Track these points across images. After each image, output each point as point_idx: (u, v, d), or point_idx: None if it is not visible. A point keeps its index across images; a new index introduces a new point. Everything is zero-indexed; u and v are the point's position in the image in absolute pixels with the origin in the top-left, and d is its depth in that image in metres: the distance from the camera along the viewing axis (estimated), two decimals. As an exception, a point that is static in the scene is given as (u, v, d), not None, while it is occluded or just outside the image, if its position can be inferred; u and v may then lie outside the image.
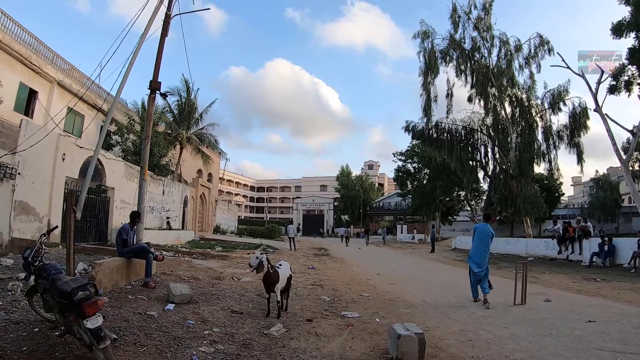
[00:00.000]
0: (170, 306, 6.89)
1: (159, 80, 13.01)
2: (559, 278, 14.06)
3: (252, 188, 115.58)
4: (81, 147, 15.73)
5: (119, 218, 17.66)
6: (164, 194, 24.77)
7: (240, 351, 5.03)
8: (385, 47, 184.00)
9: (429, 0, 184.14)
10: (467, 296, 9.49)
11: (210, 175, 45.05)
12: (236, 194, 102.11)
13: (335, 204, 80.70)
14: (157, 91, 13.12)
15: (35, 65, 19.55)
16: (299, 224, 59.52)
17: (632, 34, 15.06)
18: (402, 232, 50.93)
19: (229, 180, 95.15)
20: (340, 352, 5.24)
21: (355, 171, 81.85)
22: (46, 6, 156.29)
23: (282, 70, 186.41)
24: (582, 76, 22.57)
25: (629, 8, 14.93)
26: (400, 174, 51.81)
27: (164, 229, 23.03)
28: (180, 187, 28.46)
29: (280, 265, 7.26)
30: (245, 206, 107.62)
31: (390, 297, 9.70)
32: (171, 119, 31.25)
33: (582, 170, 26.98)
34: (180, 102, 31.53)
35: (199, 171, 40.10)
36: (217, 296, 8.27)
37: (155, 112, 20.92)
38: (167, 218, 24.65)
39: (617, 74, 18.80)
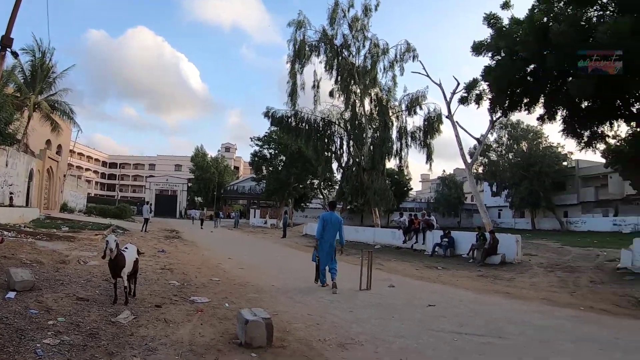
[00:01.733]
0: (11, 294, 6.18)
1: (11, 36, 11.07)
2: (403, 266, 14.95)
3: (104, 164, 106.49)
4: None
5: None
6: (7, 165, 21.83)
7: (87, 341, 4.66)
8: (251, 29, 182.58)
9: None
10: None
11: (59, 147, 39.93)
12: (87, 169, 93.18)
13: (190, 185, 78.06)
14: (8, 49, 11.14)
15: None
16: (151, 205, 56.55)
17: (489, 54, 16.50)
18: (255, 217, 51.04)
19: (79, 154, 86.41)
20: (190, 339, 5.05)
21: (212, 153, 79.96)
22: None
23: (143, 40, 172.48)
24: (439, 85, 24.67)
25: (491, 30, 16.34)
26: (256, 158, 52.12)
27: (5, 206, 20.22)
28: (26, 159, 25.22)
29: (126, 248, 6.73)
30: (96, 183, 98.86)
31: (241, 281, 9.58)
32: (22, 81, 27.24)
33: (430, 168, 29.90)
34: (33, 63, 27.37)
35: (48, 142, 35.49)
36: (62, 282, 7.49)
37: (3, 72, 17.96)
38: (11, 193, 21.82)
39: (469, 87, 20.60)
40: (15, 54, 12.88)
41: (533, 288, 10.56)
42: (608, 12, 13.23)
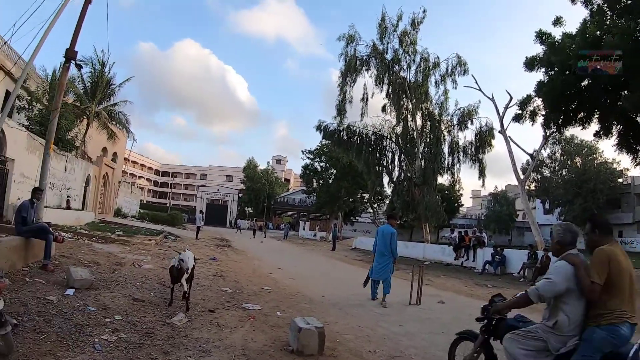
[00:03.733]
0: (70, 291, 6.45)
1: (75, 49, 11.88)
2: (452, 282, 14.84)
3: (156, 172, 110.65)
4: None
5: (16, 193, 15.92)
6: (66, 170, 22.82)
7: (143, 340, 4.90)
8: (295, 41, 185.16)
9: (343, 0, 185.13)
10: (366, 294, 9.66)
11: (115, 154, 42.25)
12: (140, 177, 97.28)
13: (240, 195, 79.60)
14: (72, 61, 11.92)
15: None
16: (204, 213, 58.11)
17: (542, 69, 16.29)
18: (304, 229, 51.47)
19: (133, 162, 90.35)
20: (242, 344, 5.25)
21: (262, 164, 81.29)
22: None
23: (191, 52, 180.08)
24: (492, 99, 24.31)
25: (543, 47, 16.16)
26: (307, 171, 52.49)
27: (63, 208, 21.31)
28: (83, 165, 26.49)
29: (183, 253, 7.04)
30: (149, 190, 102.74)
31: (291, 291, 9.76)
32: (81, 91, 28.91)
33: (483, 184, 28.99)
34: (92, 74, 29.05)
35: (104, 149, 37.60)
36: (118, 282, 7.86)
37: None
38: (68, 197, 22.89)
39: (523, 104, 20.25)
40: (79, 66, 13.77)
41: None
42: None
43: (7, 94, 21.29)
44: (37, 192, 8.77)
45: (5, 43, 15.71)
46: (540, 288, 3.37)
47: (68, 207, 22.19)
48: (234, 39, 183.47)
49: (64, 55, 11.63)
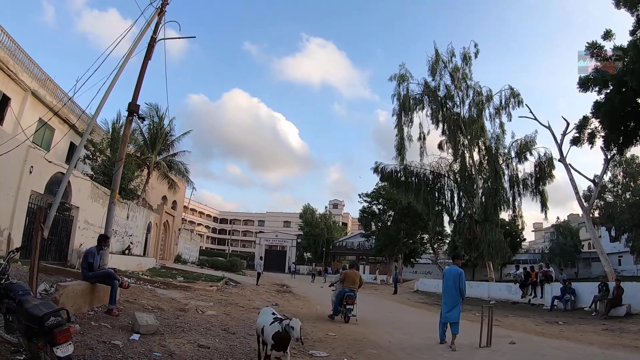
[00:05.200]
0: (136, 336, 6.63)
1: (137, 103, 12.76)
2: (522, 321, 14.32)
3: (215, 219, 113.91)
4: (50, 162, 15.35)
5: (80, 239, 17.13)
6: (128, 218, 24.18)
7: None
8: (340, 85, 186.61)
9: (383, 40, 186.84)
10: (433, 337, 9.52)
11: (175, 202, 44.36)
12: (199, 224, 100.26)
13: (299, 240, 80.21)
14: (135, 114, 12.70)
15: (11, 70, 18.57)
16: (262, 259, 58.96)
17: (597, 89, 15.88)
18: (364, 272, 51.04)
19: (192, 210, 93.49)
20: None
21: (318, 209, 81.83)
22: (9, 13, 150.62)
23: (240, 102, 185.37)
24: (549, 128, 23.90)
25: (594, 60, 15.81)
26: (365, 214, 52.35)
27: (125, 254, 22.39)
28: (144, 213, 27.92)
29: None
30: (207, 237, 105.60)
31: (356, 337, 9.69)
32: (142, 142, 30.88)
33: (546, 217, 28.10)
34: (152, 126, 31.10)
35: (164, 197, 39.58)
36: (183, 328, 8.05)
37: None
38: (130, 244, 24.06)
39: (580, 126, 19.75)
40: (142, 119, 14.65)
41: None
42: None
43: (71, 145, 22.98)
44: (104, 239, 9.19)
45: (70, 99, 17.12)
46: None
47: (129, 253, 23.09)
48: (281, 87, 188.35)
49: (127, 109, 12.40)
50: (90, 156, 23.07)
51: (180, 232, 42.03)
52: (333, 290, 13.43)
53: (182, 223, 48.41)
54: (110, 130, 26.55)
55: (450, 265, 9.96)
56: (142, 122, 24.30)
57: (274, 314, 5.83)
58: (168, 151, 32.84)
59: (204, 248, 79.74)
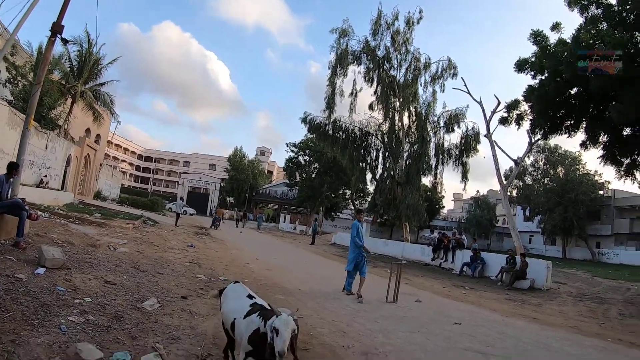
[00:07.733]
0: (41, 270, 6.25)
1: (62, 23, 11.49)
2: (430, 282, 14.84)
3: (139, 157, 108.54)
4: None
5: None
6: (47, 149, 22.50)
7: (112, 323, 4.79)
8: (276, 31, 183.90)
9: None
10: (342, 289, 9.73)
11: (98, 136, 41.81)
12: (122, 160, 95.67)
13: (223, 184, 79.06)
14: (58, 35, 11.52)
15: None
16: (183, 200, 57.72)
17: (532, 73, 16.29)
18: (284, 222, 51.60)
19: (116, 145, 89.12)
20: (214, 332, 5.17)
21: (250, 155, 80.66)
22: None
23: (171, 35, 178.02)
24: (480, 103, 24.62)
25: (536, 47, 16.15)
26: (290, 164, 52.24)
27: (41, 187, 20.86)
28: (65, 144, 26.06)
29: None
30: (130, 175, 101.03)
31: (268, 282, 9.72)
32: (68, 69, 28.38)
33: (465, 187, 29.37)
34: (80, 53, 28.68)
35: (87, 130, 37.14)
36: (91, 264, 7.61)
37: (51, 59, 18.80)
38: (44, 176, 22.48)
39: (510, 107, 20.43)
40: (65, 41, 13.32)
41: (561, 316, 10.39)
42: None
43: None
44: (15, 167, 8.39)
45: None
46: None
47: (44, 186, 21.69)
48: (214, 24, 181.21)
49: (50, 29, 11.28)
50: (11, 80, 20.96)
51: (101, 168, 39.99)
52: None
53: (105, 158, 46.03)
54: (35, 54, 24.07)
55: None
56: (66, 45, 22.20)
57: (250, 296, 3.85)
58: (95, 80, 30.42)
59: (125, 186, 76.90)
